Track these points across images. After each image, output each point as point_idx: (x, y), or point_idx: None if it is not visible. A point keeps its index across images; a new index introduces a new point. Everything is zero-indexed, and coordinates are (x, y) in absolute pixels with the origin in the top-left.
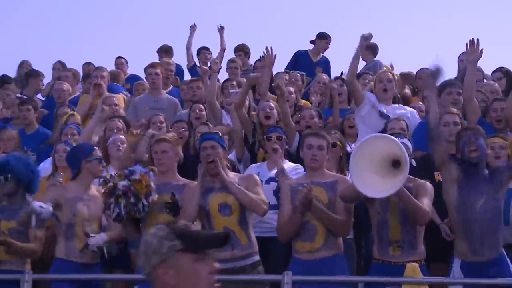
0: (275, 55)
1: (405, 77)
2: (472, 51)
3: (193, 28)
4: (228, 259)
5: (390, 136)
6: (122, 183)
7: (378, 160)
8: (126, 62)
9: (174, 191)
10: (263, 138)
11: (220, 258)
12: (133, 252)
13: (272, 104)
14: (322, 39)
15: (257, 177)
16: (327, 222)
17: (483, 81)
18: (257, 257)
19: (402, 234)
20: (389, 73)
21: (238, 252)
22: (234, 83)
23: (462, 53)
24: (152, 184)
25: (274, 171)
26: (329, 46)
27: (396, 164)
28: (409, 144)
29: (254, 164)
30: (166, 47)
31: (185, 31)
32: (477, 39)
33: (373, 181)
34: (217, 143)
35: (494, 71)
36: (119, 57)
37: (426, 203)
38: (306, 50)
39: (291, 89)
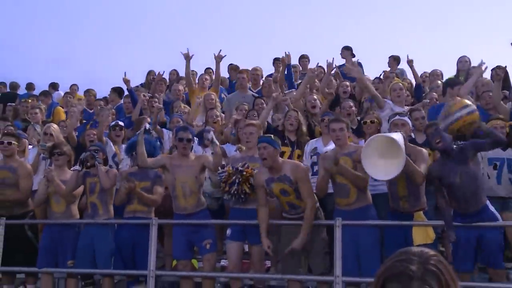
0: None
1: None
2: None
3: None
4: (294, 215)
5: (383, 134)
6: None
7: (382, 148)
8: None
9: (258, 161)
10: (313, 120)
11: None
12: (226, 205)
13: (315, 97)
14: (347, 50)
15: (303, 166)
16: (351, 177)
17: None
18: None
19: (408, 191)
20: (400, 83)
21: (299, 213)
22: None
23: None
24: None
25: (329, 146)
26: (354, 54)
27: (393, 142)
28: (409, 120)
29: (313, 140)
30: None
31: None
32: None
33: (383, 166)
34: (268, 144)
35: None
36: (231, 64)
37: (422, 167)
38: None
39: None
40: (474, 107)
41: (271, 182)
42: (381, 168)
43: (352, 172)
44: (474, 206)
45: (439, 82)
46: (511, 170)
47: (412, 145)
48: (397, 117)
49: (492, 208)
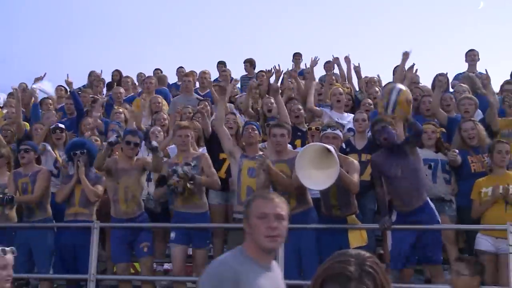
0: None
1: None
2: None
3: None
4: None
5: (317, 143)
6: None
7: (315, 158)
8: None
9: (192, 160)
10: (265, 125)
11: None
12: (171, 207)
13: (272, 100)
14: (295, 56)
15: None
16: (281, 182)
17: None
18: None
19: (338, 200)
20: (340, 88)
21: None
22: None
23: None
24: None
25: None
26: (301, 60)
27: (328, 152)
28: (340, 133)
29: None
30: (221, 61)
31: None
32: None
33: (316, 176)
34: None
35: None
36: (180, 67)
37: (355, 177)
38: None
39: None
40: (399, 86)
41: (244, 158)
42: (316, 178)
43: (283, 178)
44: (417, 201)
45: (377, 88)
46: (445, 170)
47: (343, 155)
48: (329, 130)
49: (432, 205)
